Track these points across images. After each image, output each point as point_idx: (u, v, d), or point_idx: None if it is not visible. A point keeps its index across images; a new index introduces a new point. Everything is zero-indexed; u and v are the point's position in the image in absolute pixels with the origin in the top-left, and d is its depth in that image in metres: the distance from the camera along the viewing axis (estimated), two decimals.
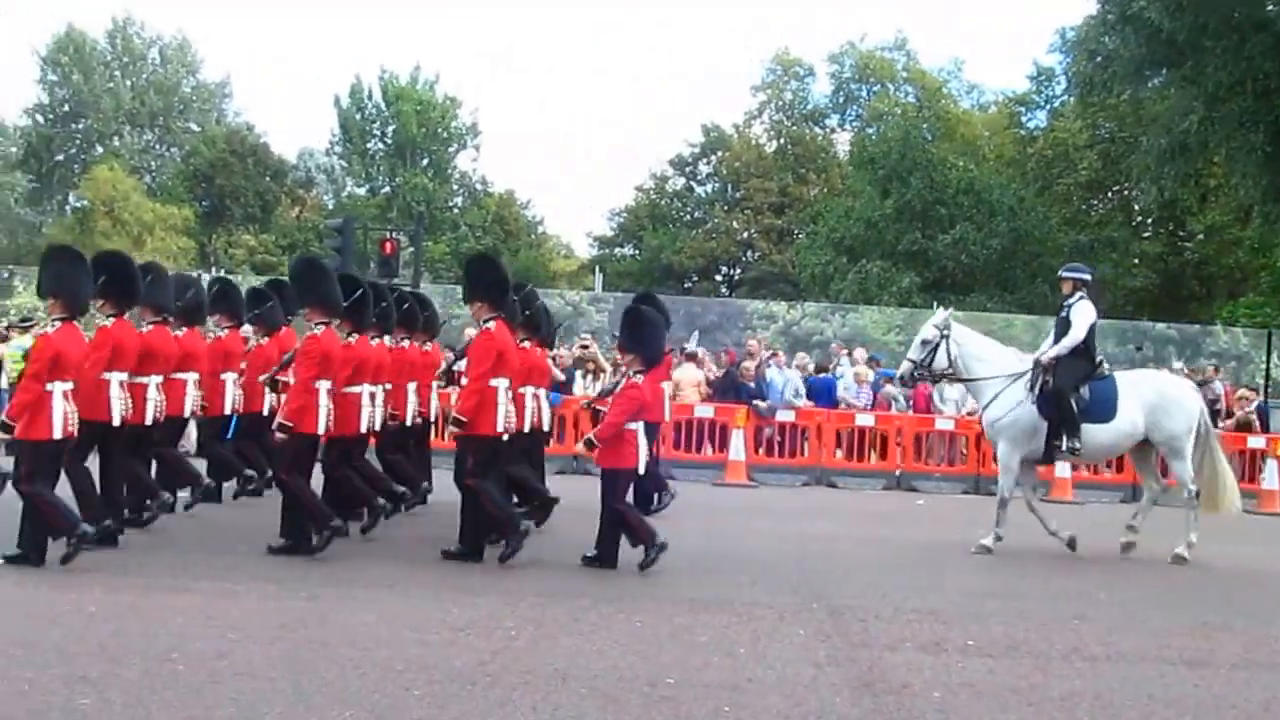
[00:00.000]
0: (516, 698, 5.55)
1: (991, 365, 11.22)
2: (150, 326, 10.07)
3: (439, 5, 76.92)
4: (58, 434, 8.23)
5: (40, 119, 55.37)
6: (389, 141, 52.87)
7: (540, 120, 78.10)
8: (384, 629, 6.76)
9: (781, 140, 53.45)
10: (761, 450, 17.30)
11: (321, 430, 9.30)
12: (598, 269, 47.48)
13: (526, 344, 10.58)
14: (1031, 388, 10.92)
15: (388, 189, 51.89)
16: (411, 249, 25.25)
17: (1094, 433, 10.88)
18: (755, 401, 17.36)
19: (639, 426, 9.21)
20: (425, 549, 9.45)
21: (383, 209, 48.25)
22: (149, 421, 9.77)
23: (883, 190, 38.86)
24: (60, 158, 55.50)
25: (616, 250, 54.28)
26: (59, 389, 8.27)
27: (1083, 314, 11.07)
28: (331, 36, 77.99)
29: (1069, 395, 10.79)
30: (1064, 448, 10.91)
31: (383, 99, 52.61)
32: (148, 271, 10.35)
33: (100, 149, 54.75)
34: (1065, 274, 11.68)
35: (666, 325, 11.81)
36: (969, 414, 15.94)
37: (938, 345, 11.27)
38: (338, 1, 77.07)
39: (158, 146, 57.29)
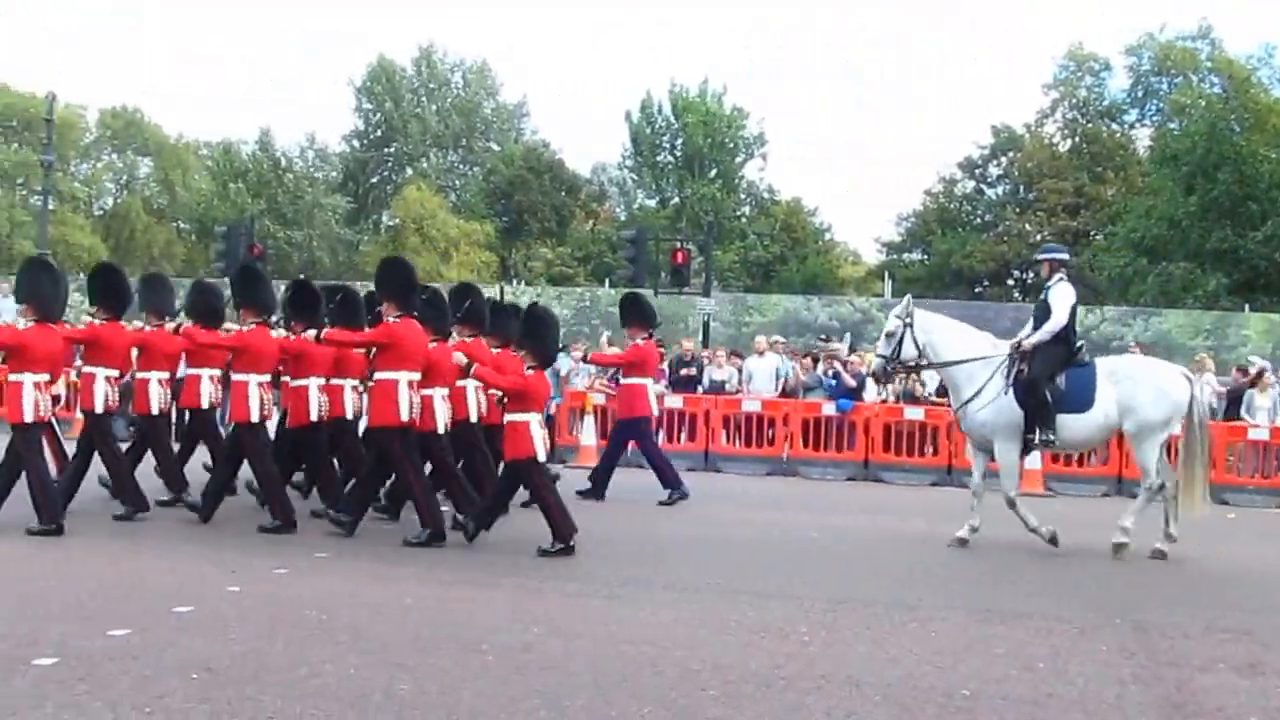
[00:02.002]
0: (810, 702, 5.58)
1: (962, 350, 10.77)
2: (152, 328, 11.34)
3: (726, 18, 77.80)
4: (29, 418, 9.59)
5: (357, 144, 59.15)
6: (678, 154, 53.72)
7: (827, 127, 77.83)
8: (680, 629, 6.92)
9: (1076, 138, 51.32)
10: (1061, 460, 16.69)
11: (255, 419, 10.22)
12: (886, 275, 46.82)
13: (469, 339, 11.19)
14: (1008, 376, 10.48)
15: (677, 200, 52.72)
16: (701, 258, 25.60)
17: (1070, 423, 10.38)
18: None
19: (530, 418, 9.44)
20: (712, 552, 9.63)
21: (672, 220, 49.05)
22: (154, 412, 11.03)
23: (1186, 187, 36.77)
24: (374, 180, 59.09)
25: (905, 255, 53.36)
26: (29, 379, 9.65)
27: (1062, 297, 10.56)
28: (623, 54, 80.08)
29: (1043, 384, 10.29)
30: (1036, 440, 10.41)
31: (672, 112, 53.54)
32: (146, 280, 11.95)
33: (409, 170, 57.97)
34: (1041, 256, 11.32)
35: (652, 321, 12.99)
36: None
37: (902, 335, 10.89)
38: (629, 20, 79.09)
39: (461, 166, 60.19)
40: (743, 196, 55.05)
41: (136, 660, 5.84)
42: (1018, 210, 50.53)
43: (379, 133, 58.65)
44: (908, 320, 10.90)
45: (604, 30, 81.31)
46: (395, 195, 56.39)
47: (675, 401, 17.59)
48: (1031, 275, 49.06)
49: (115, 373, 10.69)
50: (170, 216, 61.39)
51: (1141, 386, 10.40)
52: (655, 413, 13.49)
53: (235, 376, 10.41)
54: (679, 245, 24.79)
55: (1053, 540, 10.46)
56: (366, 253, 54.86)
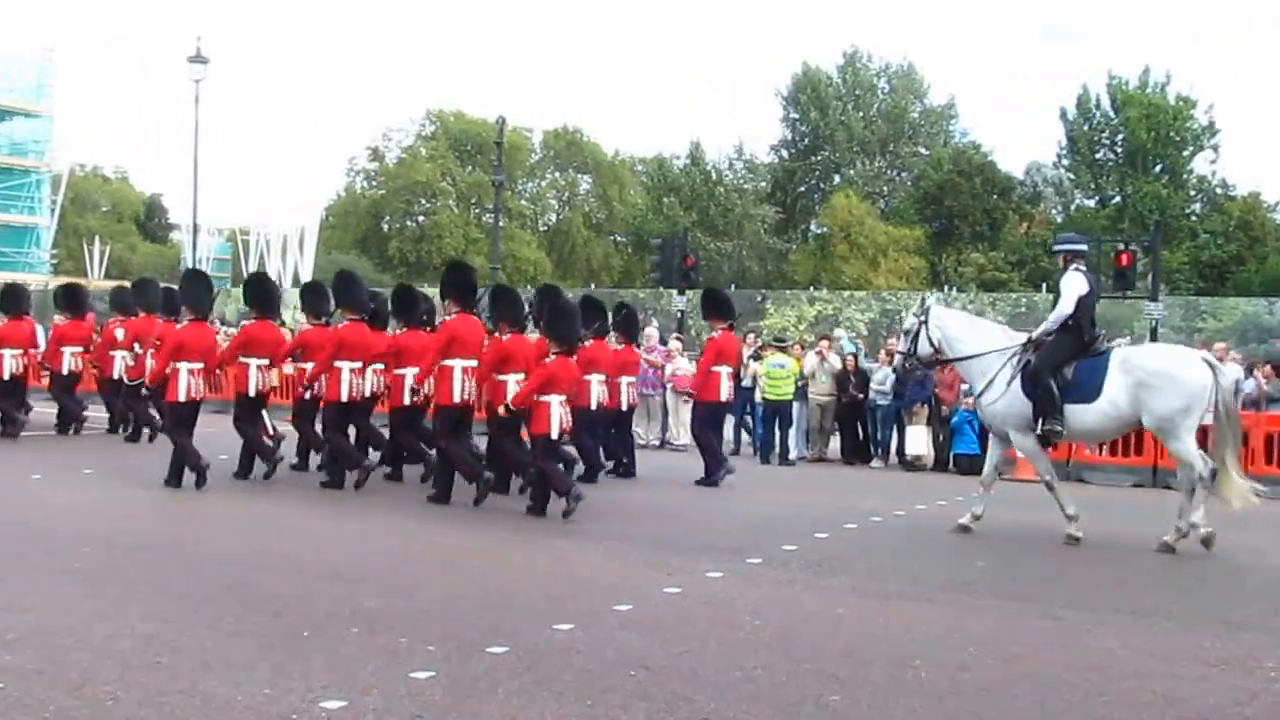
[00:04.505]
0: None
1: (975, 343, 10.82)
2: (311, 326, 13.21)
3: (1166, 6, 73.03)
4: (182, 398, 11.78)
5: (784, 154, 60.01)
6: (1119, 150, 50.96)
7: None
8: (1129, 656, 6.46)
9: None
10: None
11: (345, 398, 12.36)
12: None
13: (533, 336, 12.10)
14: (1017, 367, 10.47)
15: (1118, 199, 50.01)
16: (1147, 260, 24.08)
17: (1077, 414, 10.22)
18: None
19: (552, 399, 10.66)
20: (1162, 573, 8.96)
21: (1114, 220, 46.66)
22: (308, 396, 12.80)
23: None
24: (802, 189, 59.71)
25: None
26: (185, 367, 11.81)
27: (1071, 286, 10.45)
28: (1055, 48, 76.90)
29: (1046, 375, 10.23)
30: (1039, 430, 10.33)
31: (1111, 106, 50.86)
32: (306, 286, 14.06)
33: (836, 178, 58.18)
34: (1057, 247, 11.30)
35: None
36: None
37: (918, 332, 11.10)
38: (1060, 14, 75.90)
39: (889, 171, 59.76)
40: (1192, 192, 51.44)
41: (580, 655, 6.09)
42: None
43: (806, 142, 59.25)
44: (923, 318, 11.12)
45: (1033, 25, 78.43)
46: (823, 203, 56.78)
47: None
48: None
49: (264, 361, 12.78)
50: (608, 230, 64.72)
51: (1151, 375, 10.07)
52: (729, 398, 14.36)
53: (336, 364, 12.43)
54: (1123, 246, 23.36)
55: (1074, 533, 10.30)
56: (795, 261, 55.54)
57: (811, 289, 42.32)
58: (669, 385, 18.46)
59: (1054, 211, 55.02)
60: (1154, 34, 75.81)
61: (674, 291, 27.61)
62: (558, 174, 66.89)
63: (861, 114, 58.37)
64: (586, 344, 12.93)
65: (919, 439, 16.96)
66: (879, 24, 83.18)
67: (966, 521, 10.69)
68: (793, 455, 17.27)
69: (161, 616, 6.65)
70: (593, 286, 47.56)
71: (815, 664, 6.06)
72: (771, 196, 57.95)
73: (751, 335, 20.09)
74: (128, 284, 18.69)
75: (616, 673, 5.78)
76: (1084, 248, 11.20)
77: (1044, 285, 30.66)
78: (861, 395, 17.45)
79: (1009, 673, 6.06)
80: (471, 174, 61.42)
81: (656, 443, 18.49)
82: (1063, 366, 10.30)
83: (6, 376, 16.28)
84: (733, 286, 43.54)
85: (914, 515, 11.95)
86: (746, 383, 17.75)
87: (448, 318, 11.79)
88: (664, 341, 19.72)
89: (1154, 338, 22.13)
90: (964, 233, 51.80)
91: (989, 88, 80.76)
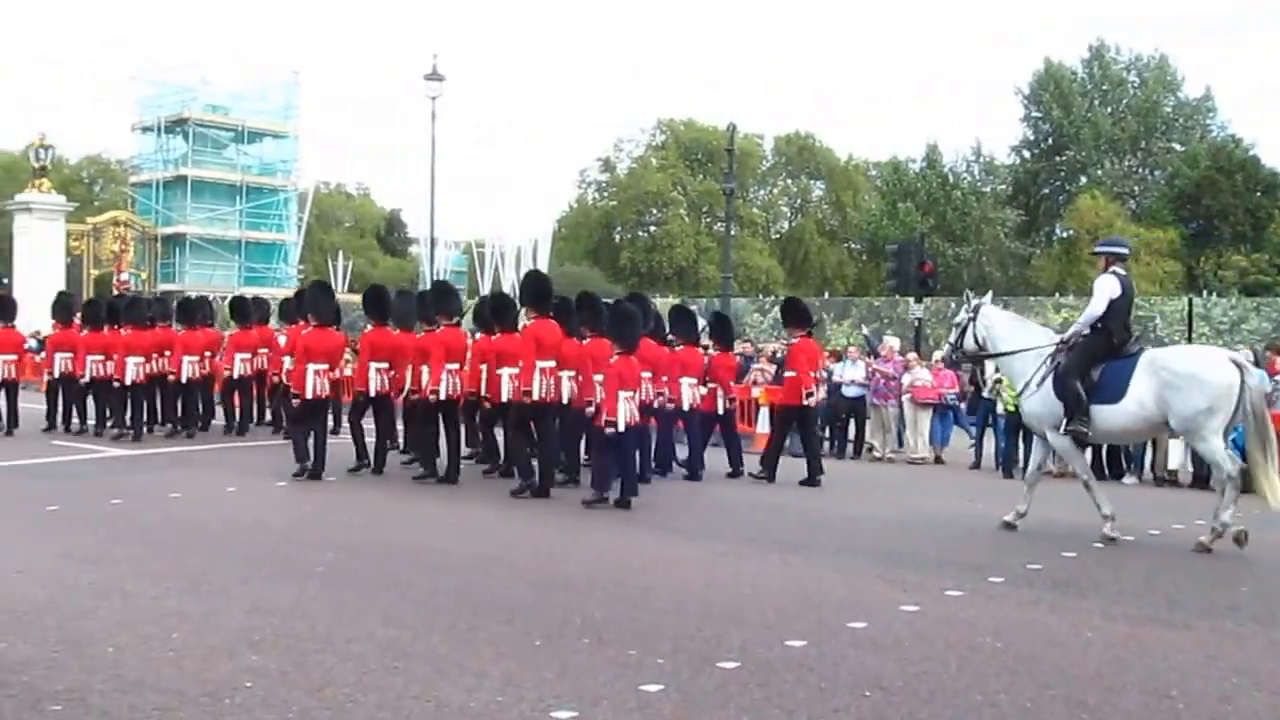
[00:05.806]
0: None
1: (1016, 342, 11.06)
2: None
3: None
4: (309, 395, 13.45)
5: (1026, 154, 58.22)
6: None
7: None
8: None
9: None
10: None
11: (444, 396, 13.45)
12: None
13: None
14: (1050, 367, 10.65)
15: None
16: None
17: (1103, 414, 10.38)
18: None
19: (618, 395, 11.64)
20: None
21: None
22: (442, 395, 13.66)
23: None
24: (1046, 190, 57.78)
25: None
26: (312, 368, 13.47)
27: (1101, 288, 10.60)
28: None
29: (1072, 376, 10.41)
30: (1063, 430, 10.52)
31: None
32: (436, 289, 15.26)
33: (1083, 178, 56.06)
34: (1097, 248, 11.50)
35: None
36: None
37: (966, 327, 11.49)
38: None
39: (1140, 170, 57.28)
40: None
41: (812, 672, 5.95)
42: None
43: (1049, 141, 57.37)
44: (972, 315, 11.48)
45: None
46: (1068, 205, 54.82)
47: None
48: None
49: (385, 365, 14.31)
50: (841, 237, 64.02)
51: (1176, 376, 10.05)
52: (812, 402, 14.73)
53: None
54: None
55: (1110, 533, 10.43)
56: (1039, 267, 53.77)
57: (1057, 295, 40.77)
58: (907, 396, 18.04)
59: None
60: None
61: (911, 299, 26.99)
62: (790, 180, 66.55)
63: (1109, 110, 56.15)
64: (678, 349, 14.66)
65: (1176, 454, 16.04)
66: (1126, 15, 79.85)
67: (1011, 519, 10.93)
68: None
69: (398, 621, 6.82)
70: (826, 295, 47.13)
71: (1062, 690, 5.76)
72: (1013, 199, 56.27)
73: None
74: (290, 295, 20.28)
75: (851, 692, 5.63)
76: (1125, 251, 11.38)
77: None
78: None
79: (1277, 707, 5.62)
80: (702, 182, 61.73)
81: (893, 455, 18.09)
82: (1090, 368, 10.48)
83: (184, 379, 18.00)
84: (971, 292, 42.47)
85: (1170, 534, 11.26)
86: (988, 394, 17.17)
87: (527, 323, 12.90)
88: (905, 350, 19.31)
89: None
90: (1224, 234, 49.07)
91: (1250, 77, 76.44)
